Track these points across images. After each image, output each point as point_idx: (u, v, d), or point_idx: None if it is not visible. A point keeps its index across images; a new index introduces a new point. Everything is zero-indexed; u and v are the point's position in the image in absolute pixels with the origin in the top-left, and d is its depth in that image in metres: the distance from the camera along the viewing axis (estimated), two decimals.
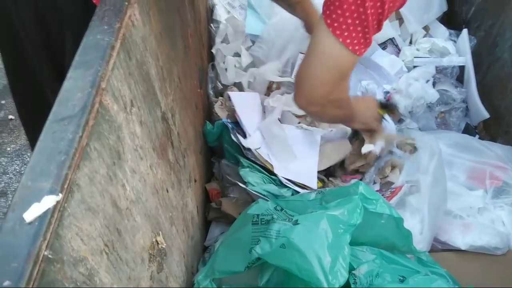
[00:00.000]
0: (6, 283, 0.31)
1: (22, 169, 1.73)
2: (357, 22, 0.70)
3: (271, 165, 0.99)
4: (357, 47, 0.73)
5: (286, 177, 0.97)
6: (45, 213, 0.35)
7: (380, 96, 1.24)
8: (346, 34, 0.71)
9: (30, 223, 0.35)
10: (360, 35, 0.72)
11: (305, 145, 1.07)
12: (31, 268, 0.33)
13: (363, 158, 1.05)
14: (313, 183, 1.01)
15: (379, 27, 0.73)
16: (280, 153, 1.02)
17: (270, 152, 1.02)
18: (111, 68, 0.49)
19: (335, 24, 0.71)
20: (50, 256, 0.35)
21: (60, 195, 0.37)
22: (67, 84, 0.46)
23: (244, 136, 1.04)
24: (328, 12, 0.72)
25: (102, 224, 0.45)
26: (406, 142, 1.04)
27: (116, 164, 0.49)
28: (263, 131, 1.05)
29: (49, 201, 0.36)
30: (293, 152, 1.02)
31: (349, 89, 0.97)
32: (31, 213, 0.35)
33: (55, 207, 0.36)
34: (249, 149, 1.00)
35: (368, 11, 0.68)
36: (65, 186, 0.38)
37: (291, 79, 1.20)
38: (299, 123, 1.12)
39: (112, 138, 0.48)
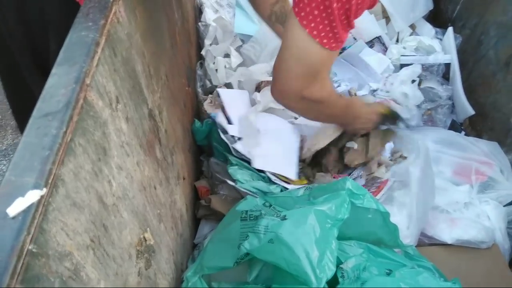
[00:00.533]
0: None
1: None
2: (323, 14, 0.68)
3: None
4: (325, 40, 0.71)
5: (264, 169, 0.97)
6: (29, 207, 0.36)
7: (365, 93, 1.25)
8: (312, 25, 0.69)
9: (13, 217, 0.35)
10: (328, 28, 0.69)
11: (286, 135, 1.07)
12: (15, 262, 0.33)
13: (363, 156, 1.05)
14: (292, 174, 1.01)
15: (349, 24, 0.71)
16: (245, 133, 1.02)
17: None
18: (96, 64, 0.49)
19: (302, 14, 0.69)
20: (34, 250, 0.35)
21: (45, 190, 0.37)
22: (51, 80, 0.46)
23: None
24: (297, 0, 0.70)
25: (87, 219, 0.45)
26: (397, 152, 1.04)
27: (101, 160, 0.49)
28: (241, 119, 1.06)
29: (33, 196, 0.36)
30: (258, 135, 1.01)
31: (331, 89, 0.89)
32: (15, 208, 0.35)
33: (39, 201, 0.36)
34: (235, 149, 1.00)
35: (334, 5, 0.67)
36: (50, 181, 0.38)
37: None
38: (296, 118, 1.12)
39: (97, 134, 0.48)
